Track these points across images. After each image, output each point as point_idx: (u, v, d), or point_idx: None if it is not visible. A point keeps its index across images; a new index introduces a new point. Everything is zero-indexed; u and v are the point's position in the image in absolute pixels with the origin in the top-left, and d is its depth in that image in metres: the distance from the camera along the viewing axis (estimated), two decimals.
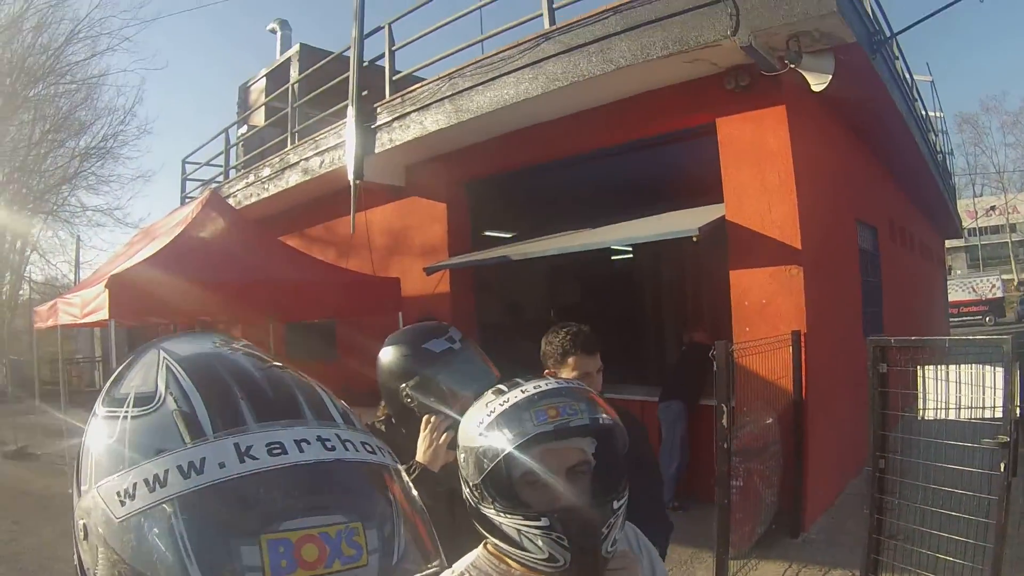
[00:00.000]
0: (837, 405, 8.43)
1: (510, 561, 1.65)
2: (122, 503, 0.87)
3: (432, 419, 2.57)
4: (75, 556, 0.96)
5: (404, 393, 2.66)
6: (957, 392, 5.35)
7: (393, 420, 2.81)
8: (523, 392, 1.66)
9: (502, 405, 1.65)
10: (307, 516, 0.90)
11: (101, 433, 0.98)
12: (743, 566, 6.70)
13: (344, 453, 0.97)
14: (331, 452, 0.96)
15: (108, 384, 1.07)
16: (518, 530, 1.57)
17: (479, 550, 1.74)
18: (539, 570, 1.59)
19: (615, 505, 1.61)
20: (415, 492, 1.11)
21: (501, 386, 1.73)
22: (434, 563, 1.04)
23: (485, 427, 1.63)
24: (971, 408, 5.27)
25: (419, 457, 2.52)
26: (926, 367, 5.56)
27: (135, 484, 0.87)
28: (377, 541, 0.94)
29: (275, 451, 0.92)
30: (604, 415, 1.65)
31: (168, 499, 0.86)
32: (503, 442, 1.58)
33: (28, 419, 15.86)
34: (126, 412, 0.98)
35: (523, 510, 1.58)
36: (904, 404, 5.75)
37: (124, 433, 0.95)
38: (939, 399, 5.43)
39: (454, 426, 2.45)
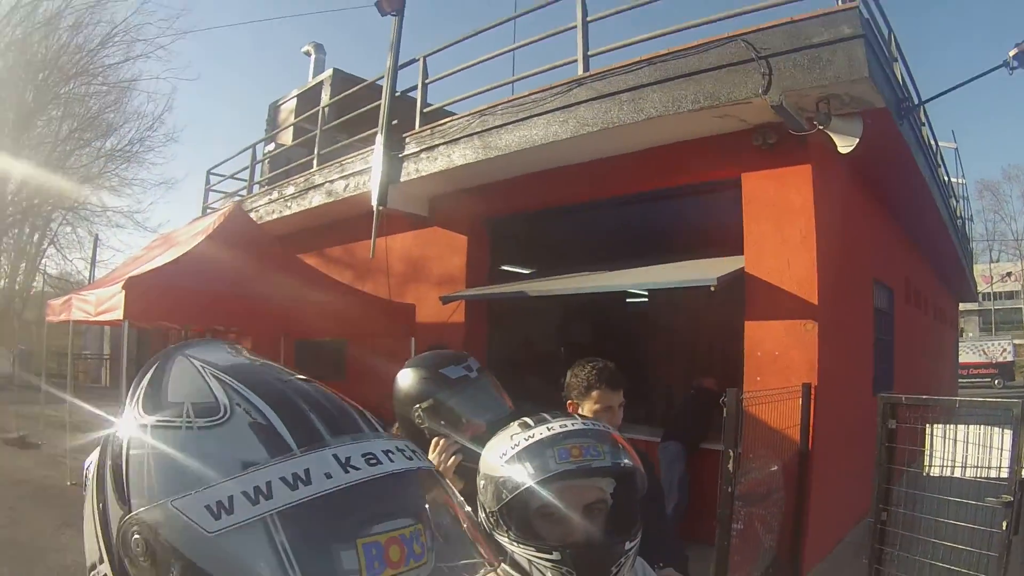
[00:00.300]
0: (842, 457, 8.42)
1: None
2: (216, 517, 0.85)
3: (441, 442, 2.59)
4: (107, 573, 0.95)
5: (416, 415, 2.68)
6: (964, 451, 5.39)
7: None
8: (548, 429, 1.70)
9: (527, 440, 1.68)
10: (388, 520, 0.95)
11: (157, 444, 0.94)
12: None
13: (419, 463, 1.03)
14: (410, 461, 1.01)
15: (142, 391, 1.04)
16: (529, 560, 1.61)
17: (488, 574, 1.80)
18: None
19: (627, 546, 1.65)
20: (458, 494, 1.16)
21: (527, 419, 1.77)
22: (475, 557, 1.11)
23: (508, 459, 1.67)
24: (977, 467, 5.31)
25: None
26: (935, 425, 5.61)
27: (231, 497, 0.86)
28: (430, 540, 1.00)
29: (371, 461, 0.95)
30: (626, 459, 1.70)
31: (277, 510, 0.86)
32: (524, 476, 1.62)
33: (32, 409, 15.81)
34: (188, 423, 0.95)
35: (536, 542, 1.62)
36: (910, 460, 5.79)
37: (194, 445, 0.93)
38: (945, 457, 5.47)
39: (462, 451, 2.51)
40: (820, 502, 7.75)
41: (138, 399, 1.03)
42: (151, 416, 0.98)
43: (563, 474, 1.61)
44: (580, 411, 3.32)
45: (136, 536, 0.89)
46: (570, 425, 1.71)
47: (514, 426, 1.77)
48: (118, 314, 8.13)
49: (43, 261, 30.62)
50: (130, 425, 0.99)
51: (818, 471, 7.64)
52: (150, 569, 0.88)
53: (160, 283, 8.59)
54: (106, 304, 8.54)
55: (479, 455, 1.90)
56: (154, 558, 0.88)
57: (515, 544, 1.63)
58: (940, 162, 14.36)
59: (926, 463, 5.68)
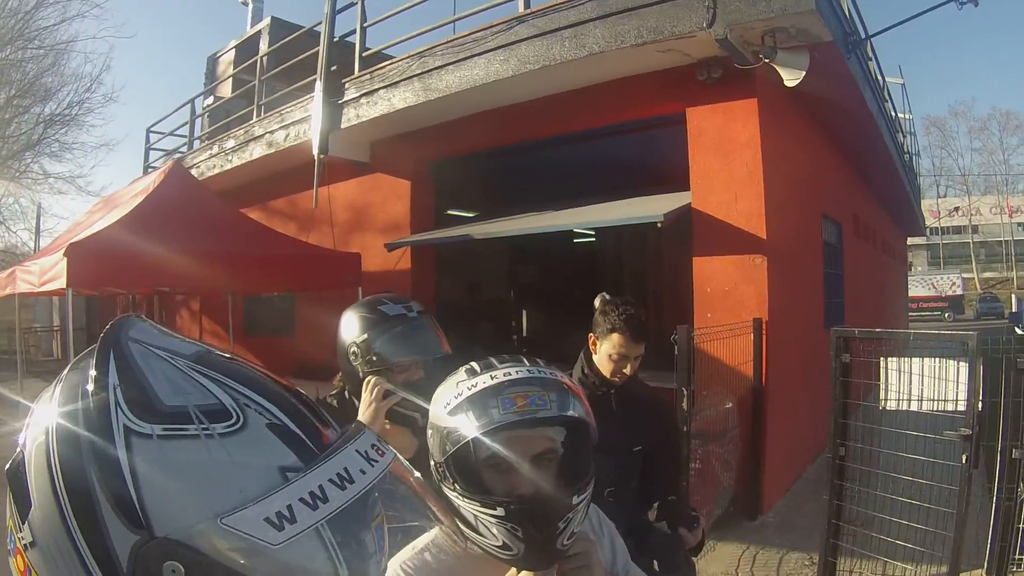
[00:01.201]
0: (796, 392, 8.55)
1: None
2: (279, 528, 0.82)
3: (372, 379, 2.53)
4: None
5: (352, 351, 2.61)
6: (920, 384, 5.39)
7: (347, 393, 2.76)
8: (492, 377, 1.61)
9: (470, 389, 1.60)
10: (378, 502, 0.99)
11: (178, 456, 0.85)
12: None
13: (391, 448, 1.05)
14: (388, 446, 1.02)
15: (118, 393, 0.89)
16: (475, 515, 1.55)
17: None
18: (494, 555, 1.57)
19: (575, 500, 1.56)
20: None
21: (474, 365, 1.68)
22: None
23: (451, 409, 1.59)
24: (933, 400, 5.32)
25: (360, 417, 2.46)
26: (889, 359, 5.61)
27: (290, 506, 0.83)
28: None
29: (379, 452, 0.97)
30: (574, 408, 1.61)
31: (335, 512, 0.86)
32: (467, 427, 1.54)
33: None
34: (206, 430, 0.86)
35: (481, 497, 1.55)
36: (865, 393, 5.80)
37: (223, 454, 0.86)
38: (901, 390, 5.48)
39: (394, 391, 2.50)
40: (777, 438, 7.85)
41: (118, 403, 0.88)
42: (153, 424, 0.86)
43: (507, 425, 1.54)
44: (599, 347, 3.32)
45: (170, 562, 0.80)
46: (514, 373, 1.62)
47: (460, 372, 1.68)
48: (61, 283, 7.98)
49: None
50: (129, 438, 0.86)
51: (773, 407, 7.75)
52: None
53: (102, 247, 8.43)
54: (49, 273, 8.38)
55: (415, 400, 1.95)
56: None
57: (461, 498, 1.57)
58: (887, 97, 14.48)
59: (882, 397, 5.68)
